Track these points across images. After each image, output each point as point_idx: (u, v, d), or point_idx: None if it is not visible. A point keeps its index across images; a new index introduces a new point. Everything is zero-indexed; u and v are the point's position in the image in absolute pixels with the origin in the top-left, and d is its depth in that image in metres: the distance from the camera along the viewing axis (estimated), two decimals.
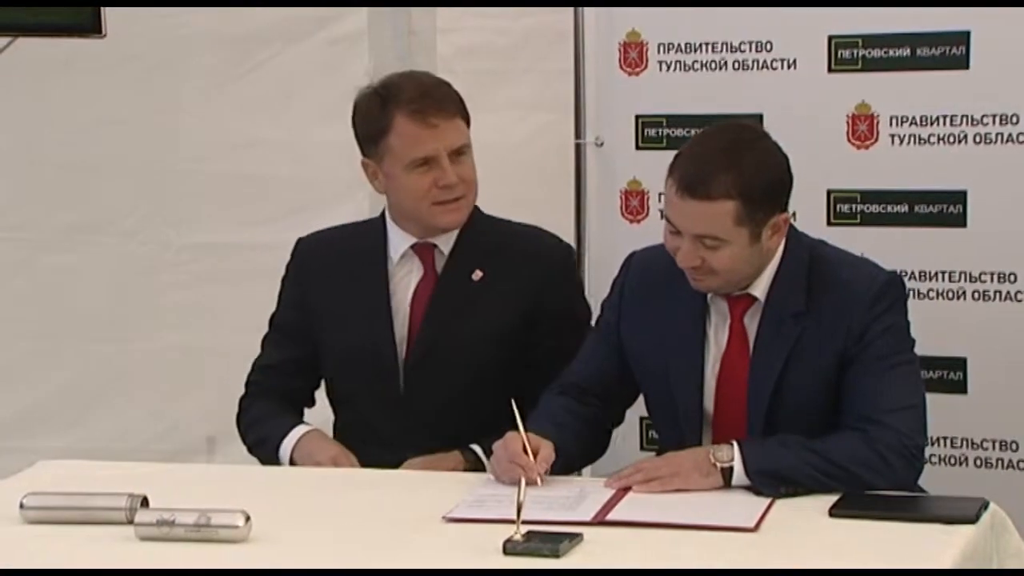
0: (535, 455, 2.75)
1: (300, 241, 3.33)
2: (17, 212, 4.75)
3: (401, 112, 3.11)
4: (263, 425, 3.22)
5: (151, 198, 4.71)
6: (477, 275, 3.18)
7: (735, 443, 2.76)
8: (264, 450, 3.19)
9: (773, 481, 2.72)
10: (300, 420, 3.23)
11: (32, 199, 4.74)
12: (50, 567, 2.39)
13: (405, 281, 3.20)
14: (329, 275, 3.24)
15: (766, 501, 2.66)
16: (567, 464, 2.93)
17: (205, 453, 4.45)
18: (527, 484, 2.51)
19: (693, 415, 2.97)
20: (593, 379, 3.07)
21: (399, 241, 3.21)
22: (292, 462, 3.13)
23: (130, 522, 2.52)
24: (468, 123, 3.21)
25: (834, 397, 2.89)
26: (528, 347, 3.18)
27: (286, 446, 3.15)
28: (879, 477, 2.75)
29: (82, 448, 4.34)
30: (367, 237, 3.25)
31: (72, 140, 4.67)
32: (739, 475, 2.74)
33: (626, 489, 2.73)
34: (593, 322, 3.25)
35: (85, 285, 4.75)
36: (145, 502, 2.59)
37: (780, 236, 2.90)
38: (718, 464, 2.74)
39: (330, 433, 3.27)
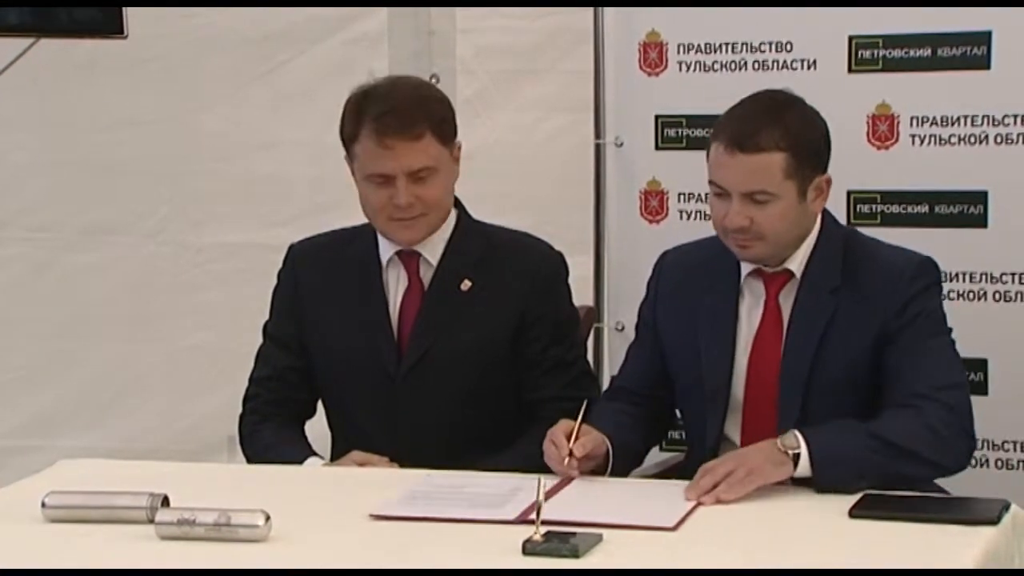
0: (577, 439, 2.76)
1: (292, 247, 3.29)
2: (39, 213, 4.77)
3: (366, 126, 3.06)
4: (272, 454, 3.14)
5: (172, 198, 4.72)
6: (466, 285, 3.14)
7: (797, 432, 2.74)
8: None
9: (836, 467, 2.69)
10: (310, 451, 3.15)
11: (54, 200, 4.76)
12: (71, 566, 2.40)
13: (393, 289, 3.17)
14: (324, 281, 3.20)
15: (691, 503, 2.63)
16: (636, 457, 3.00)
17: (226, 452, 4.46)
18: (563, 472, 2.57)
19: (720, 397, 2.97)
20: (639, 382, 3.11)
21: (385, 247, 3.17)
22: None
23: (151, 521, 2.53)
24: (447, 139, 3.09)
25: (868, 378, 2.90)
26: (518, 356, 3.15)
27: None
28: (936, 452, 2.76)
29: (103, 447, 4.37)
30: (360, 242, 3.20)
31: (93, 141, 4.69)
32: (803, 462, 2.71)
33: (567, 480, 2.74)
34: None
35: (106, 285, 4.77)
36: (166, 501, 2.60)
37: (822, 200, 2.94)
38: (789, 451, 2.71)
39: (328, 444, 3.25)
